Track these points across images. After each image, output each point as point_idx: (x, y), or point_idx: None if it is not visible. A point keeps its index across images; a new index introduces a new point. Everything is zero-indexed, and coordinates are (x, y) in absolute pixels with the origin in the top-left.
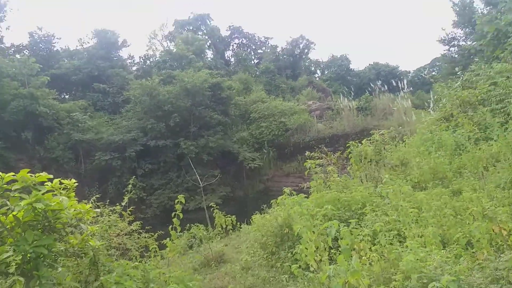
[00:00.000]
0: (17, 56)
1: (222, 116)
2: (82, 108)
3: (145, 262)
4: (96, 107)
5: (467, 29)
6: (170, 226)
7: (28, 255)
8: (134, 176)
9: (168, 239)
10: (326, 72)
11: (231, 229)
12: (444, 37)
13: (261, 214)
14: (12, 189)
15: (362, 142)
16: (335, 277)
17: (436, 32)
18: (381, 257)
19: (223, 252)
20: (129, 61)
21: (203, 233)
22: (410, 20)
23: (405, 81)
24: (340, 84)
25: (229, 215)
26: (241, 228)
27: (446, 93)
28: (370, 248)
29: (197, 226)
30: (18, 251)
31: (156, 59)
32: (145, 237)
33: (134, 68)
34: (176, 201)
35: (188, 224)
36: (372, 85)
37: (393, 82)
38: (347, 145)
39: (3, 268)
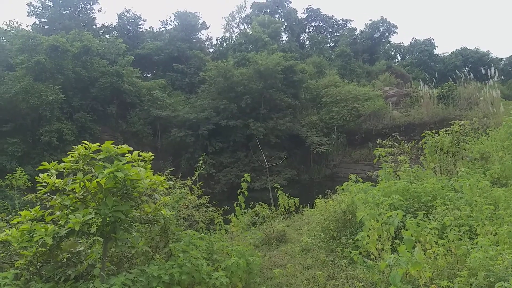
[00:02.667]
0: (107, 36)
1: (292, 99)
2: (161, 86)
3: (210, 235)
4: (174, 86)
5: None
6: (236, 203)
7: (108, 218)
8: (205, 153)
9: (232, 214)
10: (407, 57)
11: (293, 211)
12: None
13: (324, 198)
14: (97, 158)
15: (440, 132)
16: (396, 266)
17: None
18: (447, 252)
19: (285, 232)
20: (207, 43)
21: (266, 212)
22: (506, 0)
23: (494, 69)
24: (422, 70)
25: (292, 197)
26: (303, 210)
27: None
28: (437, 241)
29: (261, 204)
30: (99, 214)
31: (232, 41)
32: (212, 211)
33: (211, 50)
34: (243, 179)
35: (252, 202)
36: (458, 72)
37: (482, 70)
38: (422, 134)
39: (85, 229)
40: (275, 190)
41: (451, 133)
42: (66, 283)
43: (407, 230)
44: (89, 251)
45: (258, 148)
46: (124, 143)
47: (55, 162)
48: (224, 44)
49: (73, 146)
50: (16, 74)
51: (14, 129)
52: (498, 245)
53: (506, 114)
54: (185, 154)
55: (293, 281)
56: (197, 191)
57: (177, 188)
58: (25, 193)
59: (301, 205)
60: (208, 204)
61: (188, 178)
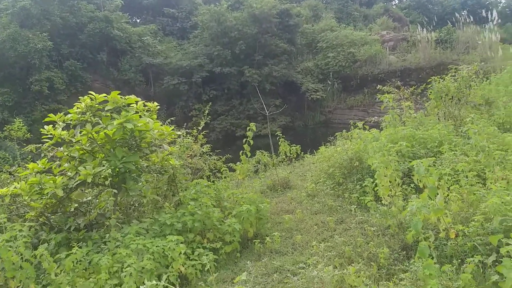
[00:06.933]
0: None
1: (288, 44)
2: (152, 32)
3: (216, 183)
4: (165, 32)
5: None
6: (241, 152)
7: (117, 169)
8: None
9: (238, 163)
10: (404, 0)
11: (294, 158)
12: None
13: (324, 145)
14: (105, 109)
15: (445, 77)
16: (416, 213)
17: None
18: (460, 197)
19: (288, 179)
20: None
21: (268, 159)
22: None
23: (494, 12)
24: (420, 14)
25: (288, 143)
26: (303, 157)
27: None
28: (449, 187)
29: (262, 152)
30: (110, 165)
31: None
32: (214, 159)
33: None
34: (248, 128)
35: (251, 150)
36: (456, 15)
37: (482, 12)
38: (428, 80)
39: (96, 180)
40: (276, 137)
41: (457, 78)
42: (79, 233)
43: (419, 176)
44: (96, 200)
45: (253, 95)
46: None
47: (62, 114)
48: None
49: (79, 97)
50: (1, 21)
51: (3, 78)
52: (508, 190)
53: (505, 58)
54: (179, 102)
55: (303, 226)
56: (201, 140)
57: (182, 138)
58: (24, 144)
59: (301, 152)
60: (210, 153)
61: (184, 125)
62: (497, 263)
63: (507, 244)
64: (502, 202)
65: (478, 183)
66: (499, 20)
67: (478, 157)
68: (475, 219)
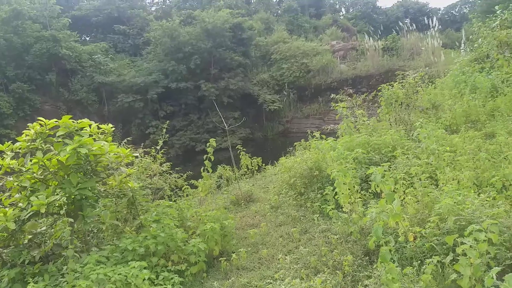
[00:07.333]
0: None
1: (242, 57)
2: (103, 50)
3: (177, 202)
4: (117, 49)
5: None
6: (202, 168)
7: (72, 196)
8: (158, 121)
9: (200, 180)
10: (351, 10)
11: (256, 170)
12: None
13: (285, 156)
14: (57, 134)
15: (394, 84)
16: (376, 219)
17: None
18: (415, 200)
19: (251, 192)
20: (149, 1)
21: (230, 174)
22: None
23: (435, 19)
24: (366, 23)
25: (249, 156)
26: (265, 169)
27: (483, 33)
28: (404, 191)
29: (223, 167)
30: (64, 193)
31: None
32: (175, 178)
33: (153, 9)
34: (208, 144)
35: (212, 164)
36: (400, 23)
37: (423, 20)
38: (378, 88)
39: (50, 210)
40: (237, 151)
41: (404, 84)
42: (34, 266)
43: (375, 182)
44: (51, 230)
45: (211, 110)
46: (68, 112)
47: (9, 142)
48: (168, 1)
49: (28, 124)
50: None
51: None
52: (459, 190)
53: (448, 63)
54: (135, 120)
55: (268, 239)
56: (160, 159)
57: (140, 158)
58: None
59: (263, 164)
60: (171, 171)
61: (142, 144)
62: (454, 262)
63: (462, 243)
64: (455, 202)
65: (431, 184)
66: (440, 26)
67: (429, 160)
68: (430, 220)
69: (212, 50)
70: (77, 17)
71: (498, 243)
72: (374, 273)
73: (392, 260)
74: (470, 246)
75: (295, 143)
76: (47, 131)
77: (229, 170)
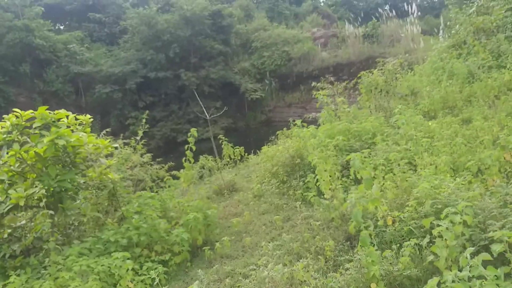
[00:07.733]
0: None
1: (223, 46)
2: (78, 39)
3: (159, 193)
4: (92, 38)
5: None
6: (184, 158)
7: (51, 189)
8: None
9: (182, 170)
10: None
11: (239, 160)
12: None
13: (267, 145)
14: (33, 126)
15: (373, 71)
16: (356, 204)
17: None
18: (395, 185)
19: (234, 182)
20: None
21: (212, 164)
22: None
23: (414, 5)
24: (346, 10)
25: (231, 145)
26: (248, 159)
27: (460, 19)
28: (384, 176)
29: (205, 157)
30: (43, 185)
31: None
32: (156, 169)
33: None
34: (189, 134)
35: (194, 155)
36: (380, 10)
37: (403, 6)
38: (359, 75)
39: (29, 203)
40: (219, 140)
41: (384, 72)
42: (15, 260)
43: (356, 168)
44: (32, 224)
45: (191, 100)
46: (44, 104)
47: None
48: None
49: (3, 116)
50: None
51: None
52: (436, 174)
53: (427, 49)
54: (113, 111)
55: (251, 227)
56: (140, 150)
57: (120, 149)
58: None
59: (245, 153)
60: (152, 162)
61: (122, 135)
62: (431, 244)
63: (439, 226)
64: (432, 187)
65: (410, 170)
66: (419, 13)
67: (408, 146)
68: (409, 204)
69: (192, 38)
70: (50, 5)
71: (473, 225)
72: (355, 257)
73: (372, 244)
74: (446, 228)
75: (277, 132)
76: (23, 122)
77: (211, 160)
